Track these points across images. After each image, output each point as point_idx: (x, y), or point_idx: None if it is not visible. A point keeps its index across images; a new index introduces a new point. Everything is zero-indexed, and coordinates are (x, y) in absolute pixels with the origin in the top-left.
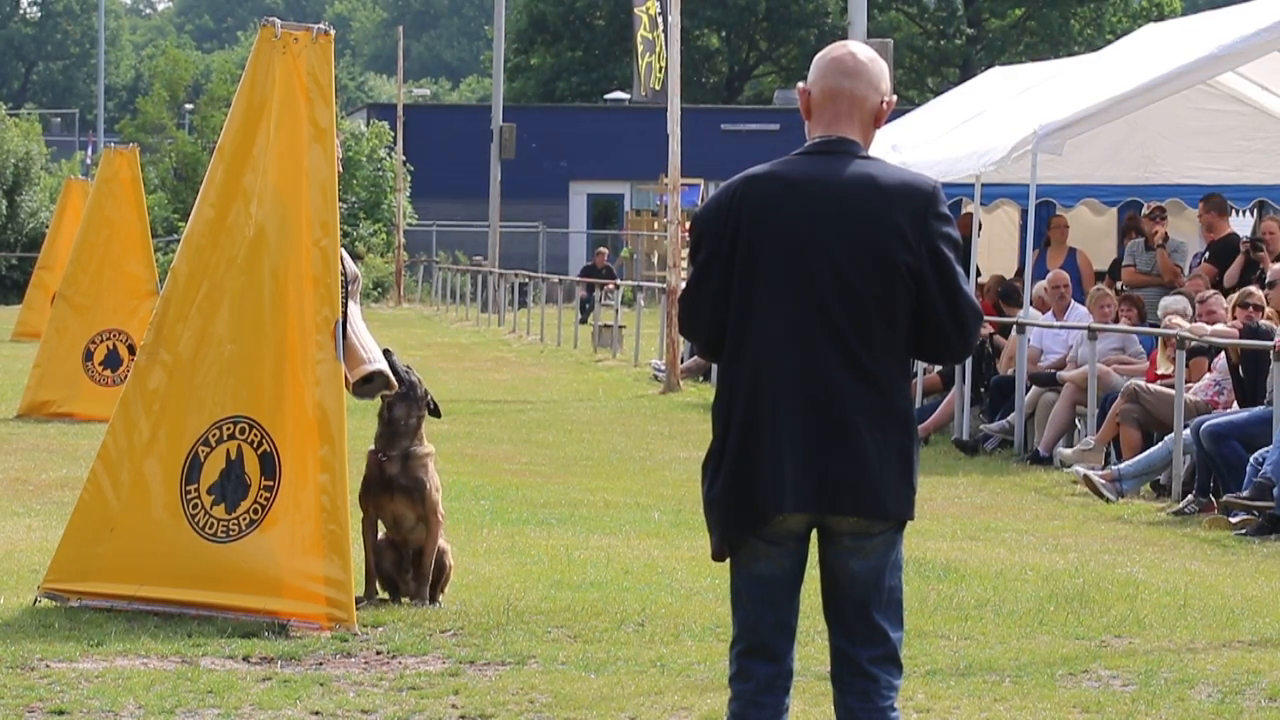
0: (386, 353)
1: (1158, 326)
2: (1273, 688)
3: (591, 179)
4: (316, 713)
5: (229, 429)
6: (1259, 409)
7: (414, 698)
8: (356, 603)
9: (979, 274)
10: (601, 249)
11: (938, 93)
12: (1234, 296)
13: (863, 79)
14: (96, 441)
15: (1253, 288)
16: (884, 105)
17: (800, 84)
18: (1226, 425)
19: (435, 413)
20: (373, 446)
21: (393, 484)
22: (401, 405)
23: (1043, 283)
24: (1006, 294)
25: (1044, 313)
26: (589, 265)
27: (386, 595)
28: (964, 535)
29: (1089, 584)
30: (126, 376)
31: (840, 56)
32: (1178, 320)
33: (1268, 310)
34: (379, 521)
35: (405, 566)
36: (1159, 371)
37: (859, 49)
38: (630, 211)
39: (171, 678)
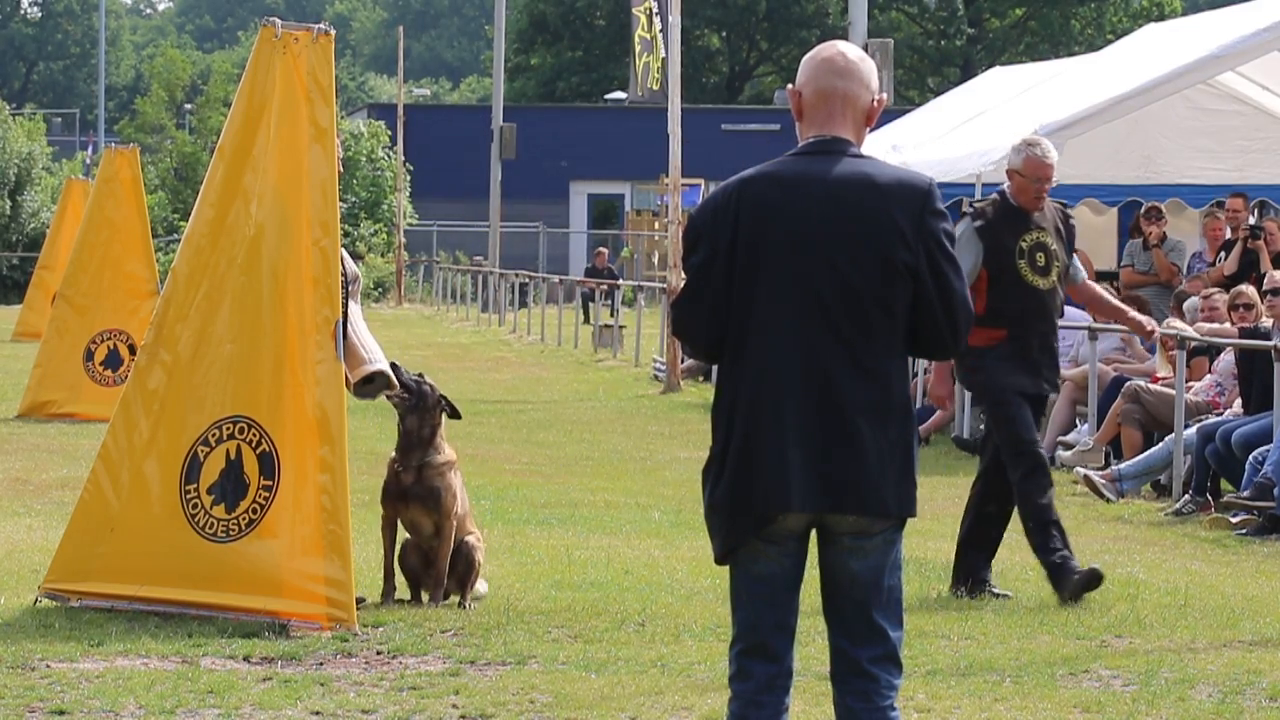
0: (394, 366)
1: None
2: (1273, 688)
3: (591, 179)
4: (317, 713)
5: (228, 429)
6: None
7: (414, 698)
8: (360, 602)
9: None
10: (601, 249)
11: (938, 93)
12: (1229, 296)
13: (854, 78)
14: (96, 441)
15: (1244, 287)
16: (875, 104)
17: (789, 86)
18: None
19: (454, 414)
20: (394, 454)
21: (408, 494)
22: (413, 417)
23: None
24: None
25: None
26: (590, 267)
27: (408, 595)
28: None
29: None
30: (127, 376)
31: (830, 57)
32: (1177, 323)
33: (1258, 309)
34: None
35: (430, 565)
36: (1159, 374)
37: (848, 48)
38: (630, 211)
39: (172, 678)
